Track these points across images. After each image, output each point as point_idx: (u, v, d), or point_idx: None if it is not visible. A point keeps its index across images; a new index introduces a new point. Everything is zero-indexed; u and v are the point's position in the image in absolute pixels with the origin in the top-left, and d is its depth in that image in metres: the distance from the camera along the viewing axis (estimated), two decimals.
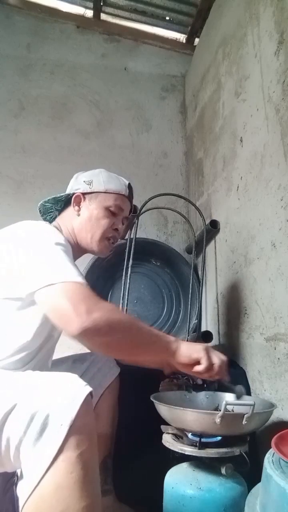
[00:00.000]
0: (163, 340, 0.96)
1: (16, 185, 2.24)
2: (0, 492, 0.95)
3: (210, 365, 0.96)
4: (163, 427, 1.06)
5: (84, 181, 1.20)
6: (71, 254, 1.00)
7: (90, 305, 0.83)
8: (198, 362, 0.97)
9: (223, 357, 1.00)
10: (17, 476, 1.00)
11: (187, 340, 1.76)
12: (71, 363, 1.23)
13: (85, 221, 1.17)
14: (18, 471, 0.96)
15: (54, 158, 2.31)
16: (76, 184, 1.22)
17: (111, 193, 1.19)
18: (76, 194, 1.18)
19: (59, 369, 1.17)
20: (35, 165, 2.28)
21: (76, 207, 1.18)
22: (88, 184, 1.19)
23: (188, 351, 0.96)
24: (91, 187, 1.19)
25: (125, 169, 2.32)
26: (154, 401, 1.05)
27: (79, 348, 1.39)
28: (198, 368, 0.96)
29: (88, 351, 1.35)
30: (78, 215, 1.18)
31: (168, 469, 1.02)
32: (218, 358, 0.98)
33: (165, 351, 0.96)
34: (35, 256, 0.92)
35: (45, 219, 1.26)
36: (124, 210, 1.23)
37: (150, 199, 1.74)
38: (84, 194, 1.18)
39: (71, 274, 0.87)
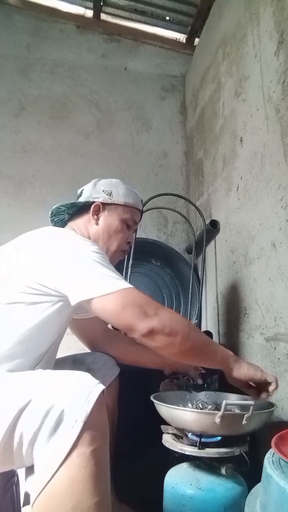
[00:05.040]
0: (221, 351, 1.02)
1: (16, 185, 2.24)
2: (0, 492, 0.95)
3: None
4: (163, 427, 1.06)
5: (103, 191, 1.21)
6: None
7: (154, 307, 0.91)
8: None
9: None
10: (17, 476, 1.00)
11: None
12: (71, 363, 1.23)
13: (103, 231, 1.19)
14: (18, 471, 0.95)
15: (54, 158, 2.31)
16: (95, 192, 1.22)
17: (130, 206, 1.23)
18: (96, 203, 1.19)
19: (60, 368, 1.16)
20: (35, 165, 2.28)
21: (95, 216, 1.20)
22: (108, 194, 1.21)
23: (249, 371, 1.01)
24: (111, 198, 1.21)
25: (125, 169, 2.33)
26: (154, 401, 1.05)
27: (79, 348, 1.40)
28: (271, 387, 1.02)
29: (88, 351, 1.36)
30: (97, 224, 1.20)
31: (168, 469, 1.02)
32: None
33: (222, 364, 1.01)
34: (81, 265, 0.94)
35: (52, 220, 1.27)
36: (137, 224, 1.28)
37: (150, 199, 1.74)
38: (104, 204, 1.20)
39: (123, 281, 0.92)
